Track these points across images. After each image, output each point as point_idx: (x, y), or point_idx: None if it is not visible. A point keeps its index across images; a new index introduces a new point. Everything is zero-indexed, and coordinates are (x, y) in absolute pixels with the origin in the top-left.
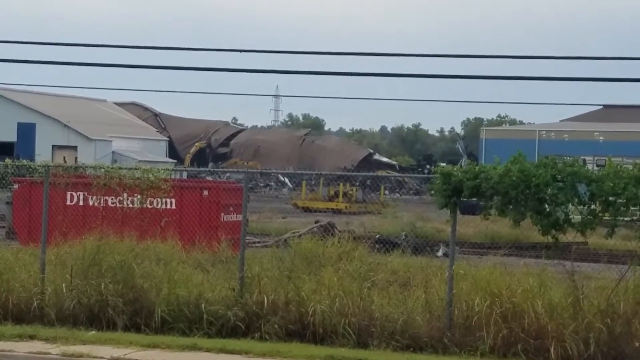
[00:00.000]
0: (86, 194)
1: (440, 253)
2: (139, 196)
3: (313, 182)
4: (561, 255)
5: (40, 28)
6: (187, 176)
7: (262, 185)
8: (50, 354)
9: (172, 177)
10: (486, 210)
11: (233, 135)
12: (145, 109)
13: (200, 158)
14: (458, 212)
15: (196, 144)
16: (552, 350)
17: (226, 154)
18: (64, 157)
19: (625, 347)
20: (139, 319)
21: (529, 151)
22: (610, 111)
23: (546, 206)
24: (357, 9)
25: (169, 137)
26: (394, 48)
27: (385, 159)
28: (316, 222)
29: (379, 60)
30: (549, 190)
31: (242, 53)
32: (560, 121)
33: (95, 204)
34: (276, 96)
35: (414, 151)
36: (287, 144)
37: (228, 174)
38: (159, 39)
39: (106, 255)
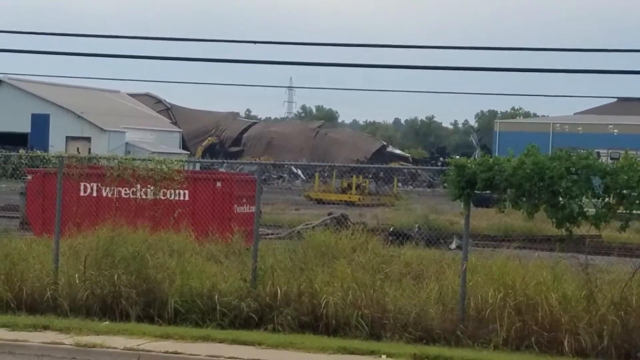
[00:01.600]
0: (100, 185)
1: (453, 245)
2: (152, 187)
3: (326, 174)
4: (575, 248)
5: (54, 19)
6: (200, 168)
7: (275, 177)
8: (64, 344)
9: (185, 168)
10: (501, 203)
11: (245, 130)
12: (158, 101)
13: (211, 154)
14: (471, 204)
15: (208, 138)
16: (565, 343)
17: (238, 153)
18: (78, 148)
19: (638, 340)
20: (152, 310)
21: (543, 144)
22: (624, 104)
23: (560, 199)
24: (371, 1)
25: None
26: (408, 40)
27: (398, 151)
28: (329, 214)
29: (393, 52)
30: (563, 182)
31: (256, 44)
32: (575, 114)
33: (109, 195)
34: (290, 88)
35: (428, 143)
36: (300, 136)
37: (241, 166)
38: (173, 30)
39: (119, 246)
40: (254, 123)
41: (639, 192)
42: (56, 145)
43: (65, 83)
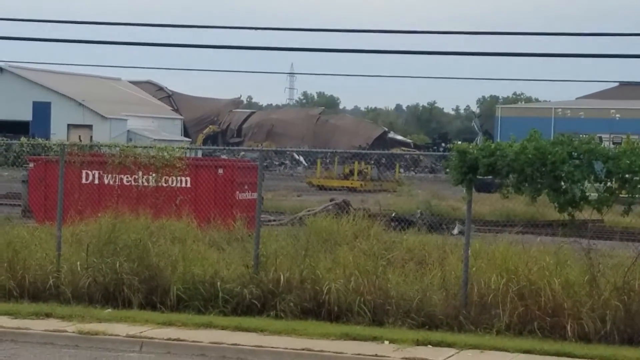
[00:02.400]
0: (101, 172)
1: (455, 231)
2: (154, 174)
3: (328, 161)
4: (577, 233)
5: (55, 6)
6: (202, 155)
7: (277, 163)
8: (67, 331)
9: (187, 155)
10: (504, 188)
11: (245, 120)
12: (160, 88)
13: (212, 142)
14: (473, 189)
15: (210, 125)
16: (568, 327)
17: (238, 144)
18: (79, 136)
19: None
20: (155, 297)
21: (545, 129)
22: (626, 88)
23: (562, 184)
24: None
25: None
26: (409, 25)
27: (400, 137)
28: (331, 200)
29: (395, 38)
30: (565, 167)
31: (257, 30)
32: (576, 99)
33: (111, 183)
34: (291, 74)
35: (429, 129)
36: (302, 123)
37: (243, 153)
38: (174, 17)
39: (122, 234)
40: (253, 113)
41: None
42: (58, 133)
43: (66, 71)
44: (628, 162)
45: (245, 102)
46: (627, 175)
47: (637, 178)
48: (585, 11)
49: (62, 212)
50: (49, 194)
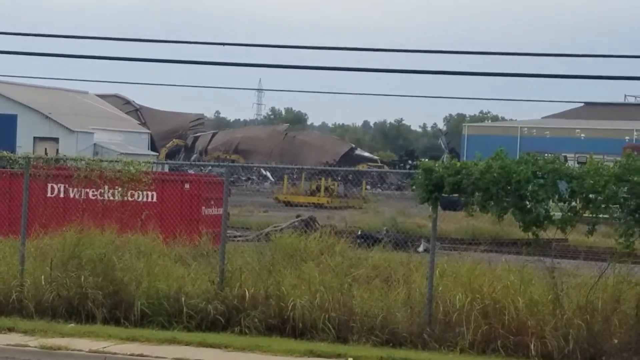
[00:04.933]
0: (67, 186)
1: (421, 248)
2: (119, 189)
3: (295, 177)
4: (541, 252)
5: (21, 18)
6: (169, 169)
7: (243, 179)
8: (29, 346)
9: (154, 169)
10: (470, 207)
11: (210, 142)
12: (127, 102)
13: (175, 157)
14: (439, 207)
15: (174, 139)
16: (532, 346)
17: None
18: (45, 149)
19: (603, 344)
20: (119, 312)
21: (511, 148)
22: (591, 108)
23: (527, 203)
24: (342, 3)
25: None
26: (377, 43)
27: (367, 154)
28: (297, 216)
29: (363, 55)
30: (530, 186)
31: (225, 46)
32: (542, 118)
33: (76, 196)
34: (259, 90)
35: (396, 146)
36: (269, 139)
37: (210, 168)
38: (142, 31)
39: (86, 248)
40: (215, 133)
41: (604, 196)
42: (24, 146)
43: (32, 83)
44: (592, 182)
45: (213, 117)
46: (590, 195)
47: (601, 198)
48: (553, 31)
49: (27, 226)
50: (14, 207)
